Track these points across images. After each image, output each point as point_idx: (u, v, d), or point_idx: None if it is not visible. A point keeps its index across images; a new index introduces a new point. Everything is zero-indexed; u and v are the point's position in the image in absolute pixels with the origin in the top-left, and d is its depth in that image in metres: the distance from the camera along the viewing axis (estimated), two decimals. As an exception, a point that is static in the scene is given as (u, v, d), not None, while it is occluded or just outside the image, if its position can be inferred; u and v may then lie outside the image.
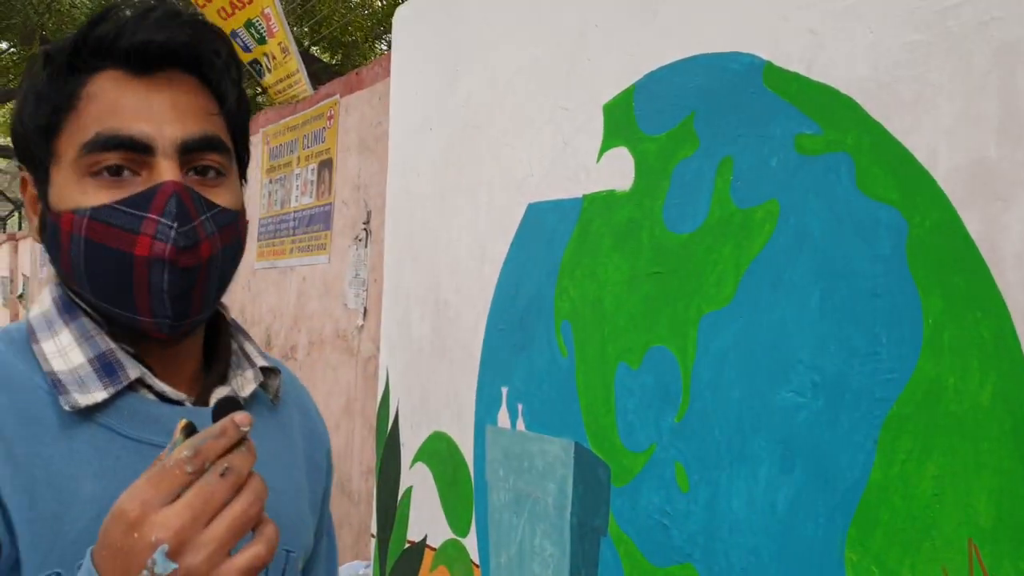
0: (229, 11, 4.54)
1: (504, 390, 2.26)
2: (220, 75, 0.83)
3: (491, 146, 2.37)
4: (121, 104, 0.78)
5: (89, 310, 0.83)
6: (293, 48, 4.36)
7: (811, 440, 1.45)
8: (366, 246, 3.64)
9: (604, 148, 1.95)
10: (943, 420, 1.26)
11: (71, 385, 0.77)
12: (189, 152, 0.79)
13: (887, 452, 1.33)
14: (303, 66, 4.39)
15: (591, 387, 1.96)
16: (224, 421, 0.65)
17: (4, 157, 17.58)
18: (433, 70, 2.70)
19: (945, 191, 1.27)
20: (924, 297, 1.29)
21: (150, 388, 0.82)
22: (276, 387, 0.94)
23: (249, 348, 0.93)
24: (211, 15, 4.76)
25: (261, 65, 4.59)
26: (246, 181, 0.92)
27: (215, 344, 0.91)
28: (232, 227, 0.82)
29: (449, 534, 2.49)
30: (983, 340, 1.22)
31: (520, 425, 2.20)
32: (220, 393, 0.87)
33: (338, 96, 3.96)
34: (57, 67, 0.80)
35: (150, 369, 0.82)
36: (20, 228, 17.01)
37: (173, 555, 0.61)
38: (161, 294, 0.77)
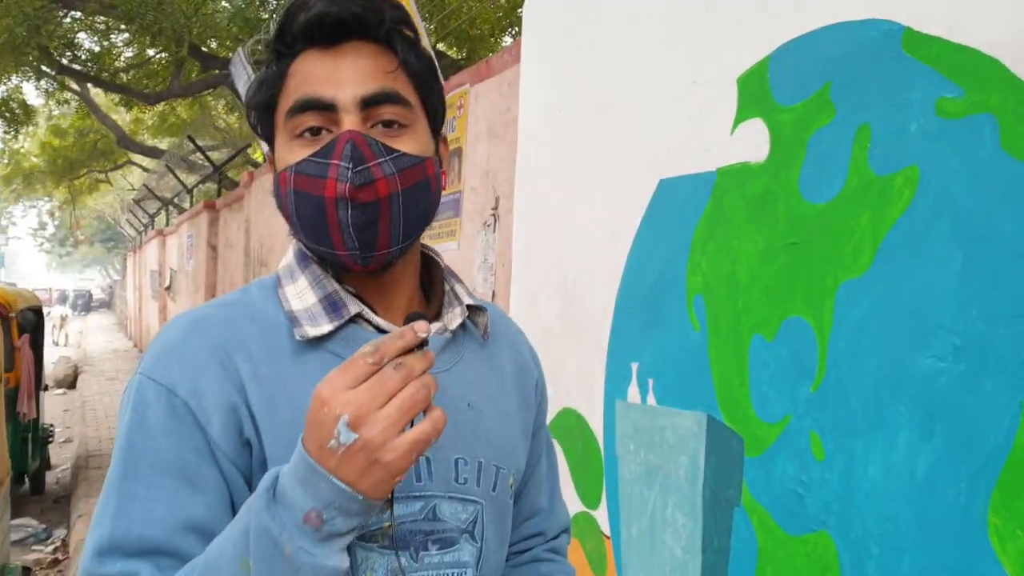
0: (364, 8, 4.72)
1: (634, 366, 2.30)
2: (392, 37, 0.93)
3: (622, 125, 2.41)
4: (313, 75, 0.91)
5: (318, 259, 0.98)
6: (426, 41, 4.49)
7: (952, 405, 1.44)
8: (494, 231, 3.73)
9: (738, 120, 1.96)
10: (1094, 382, 1.23)
11: (304, 320, 0.93)
12: (369, 107, 0.90)
13: (1034, 416, 1.31)
14: (435, 59, 4.51)
15: (724, 360, 1.98)
16: (404, 327, 0.78)
17: (153, 157, 18.66)
18: (563, 52, 2.76)
19: (1097, 148, 1.24)
20: (1074, 257, 1.27)
21: (369, 321, 0.96)
22: (484, 324, 1.06)
23: (459, 290, 1.05)
24: (347, 12, 4.95)
25: (394, 59, 4.75)
26: (440, 135, 1.01)
27: (431, 287, 1.05)
28: (413, 170, 0.91)
29: (580, 507, 2.55)
30: None
31: (651, 400, 2.23)
32: (434, 328, 1.01)
33: (468, 85, 4.07)
34: (270, 55, 0.97)
35: (370, 307, 0.96)
36: (167, 224, 18.01)
37: (353, 427, 0.73)
38: (347, 228, 0.88)
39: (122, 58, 13.09)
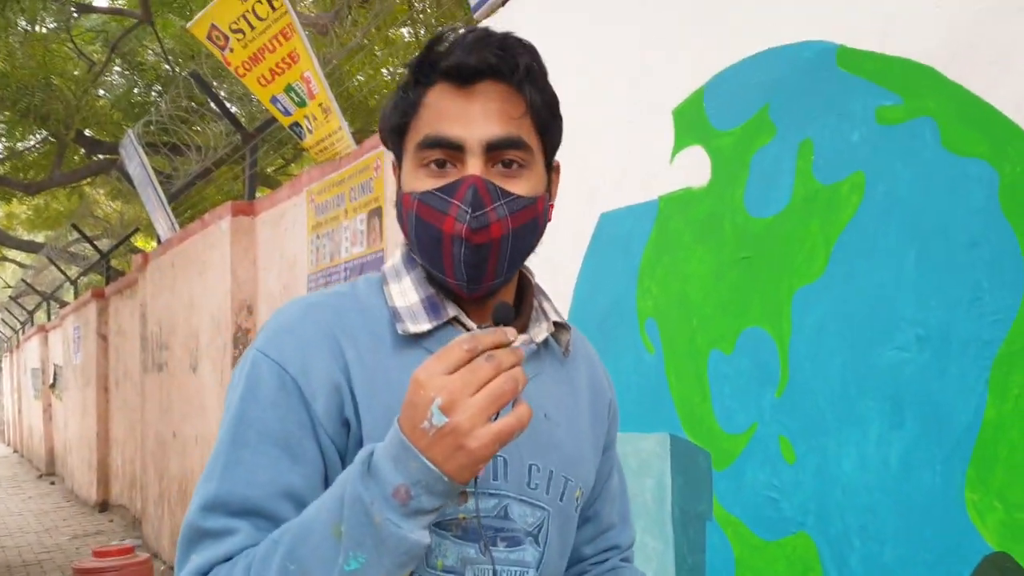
0: (268, 78, 4.72)
1: (588, 397, 2.32)
2: (522, 82, 0.98)
3: (557, 166, 2.47)
4: (445, 112, 0.97)
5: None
6: (335, 106, 4.52)
7: (920, 392, 1.52)
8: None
9: (677, 149, 2.05)
10: (1055, 350, 1.33)
11: (406, 317, 1.00)
12: (493, 150, 0.97)
13: (1000, 390, 1.40)
14: (345, 123, 4.54)
15: (683, 378, 2.02)
16: (497, 328, 0.85)
17: (29, 251, 17.89)
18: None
19: (1033, 137, 1.35)
20: (1022, 238, 1.37)
21: (464, 326, 1.02)
22: (566, 341, 1.11)
23: (547, 307, 1.10)
24: (251, 84, 4.94)
25: (302, 127, 4.75)
26: (554, 163, 1.06)
27: (522, 301, 1.10)
28: (526, 211, 0.98)
29: (540, 548, 2.53)
30: (1087, 269, 1.29)
31: (608, 428, 2.25)
32: (520, 340, 1.05)
33: (382, 147, 4.11)
34: (407, 80, 1.02)
35: (466, 312, 1.03)
36: (49, 319, 17.22)
37: (445, 411, 0.79)
38: (460, 263, 0.96)
39: (-1, 149, 12.63)
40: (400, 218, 1.02)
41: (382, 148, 4.12)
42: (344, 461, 0.94)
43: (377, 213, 4.11)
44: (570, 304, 2.39)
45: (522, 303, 1.09)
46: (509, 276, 1.01)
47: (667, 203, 2.08)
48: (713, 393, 1.94)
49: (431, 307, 1.01)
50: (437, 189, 0.96)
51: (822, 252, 1.69)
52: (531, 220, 0.99)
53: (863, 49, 1.62)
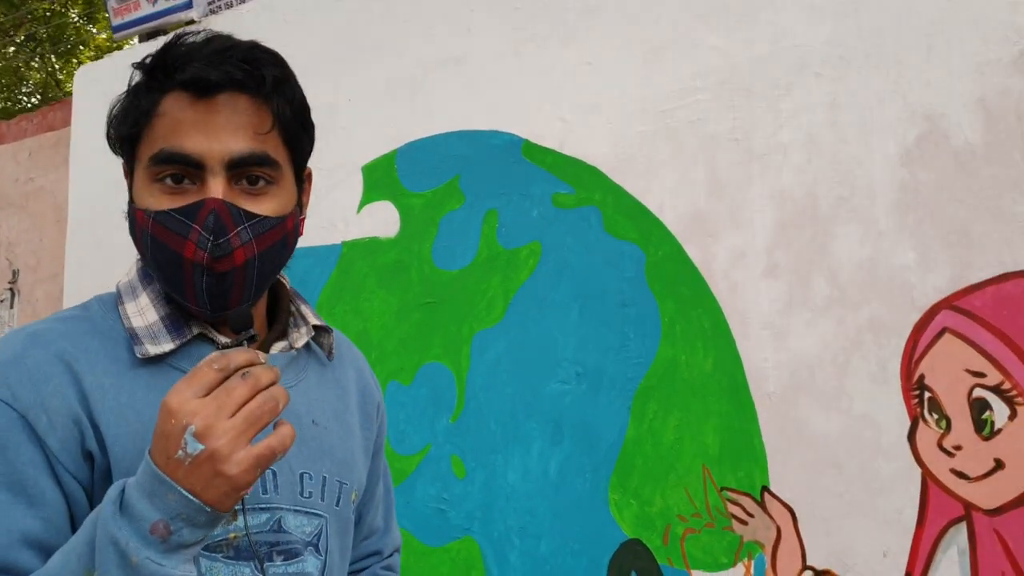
0: None
1: (247, 424, 2.43)
2: (269, 95, 0.91)
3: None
4: (183, 123, 0.89)
5: None
6: None
7: (577, 416, 1.94)
8: (11, 306, 3.46)
9: (365, 202, 2.31)
10: (679, 386, 1.83)
11: (145, 338, 0.92)
12: (237, 167, 0.89)
13: (638, 415, 1.87)
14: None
15: (357, 406, 2.25)
16: (248, 348, 0.82)
17: None
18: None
19: (672, 231, 1.87)
20: (660, 303, 1.87)
21: (213, 340, 0.94)
22: (329, 344, 1.06)
23: (305, 310, 1.04)
24: None
25: None
26: (305, 170, 1.00)
27: (277, 307, 1.02)
28: (273, 231, 0.92)
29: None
30: (704, 328, 1.82)
31: (269, 453, 2.38)
32: (278, 347, 0.99)
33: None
34: (138, 85, 0.93)
35: (213, 325, 0.96)
36: None
37: (200, 438, 0.74)
38: (201, 292, 0.89)
39: None
40: (133, 232, 0.93)
41: (-38, 151, 3.73)
42: (91, 497, 0.86)
43: (-49, 222, 3.69)
44: (237, 334, 2.49)
45: (278, 310, 1.03)
46: (257, 297, 0.95)
47: (351, 248, 2.32)
48: (389, 419, 2.20)
49: (173, 325, 0.93)
50: (174, 210, 0.87)
51: (501, 302, 2.07)
52: (279, 240, 0.93)
53: (545, 146, 2.05)
